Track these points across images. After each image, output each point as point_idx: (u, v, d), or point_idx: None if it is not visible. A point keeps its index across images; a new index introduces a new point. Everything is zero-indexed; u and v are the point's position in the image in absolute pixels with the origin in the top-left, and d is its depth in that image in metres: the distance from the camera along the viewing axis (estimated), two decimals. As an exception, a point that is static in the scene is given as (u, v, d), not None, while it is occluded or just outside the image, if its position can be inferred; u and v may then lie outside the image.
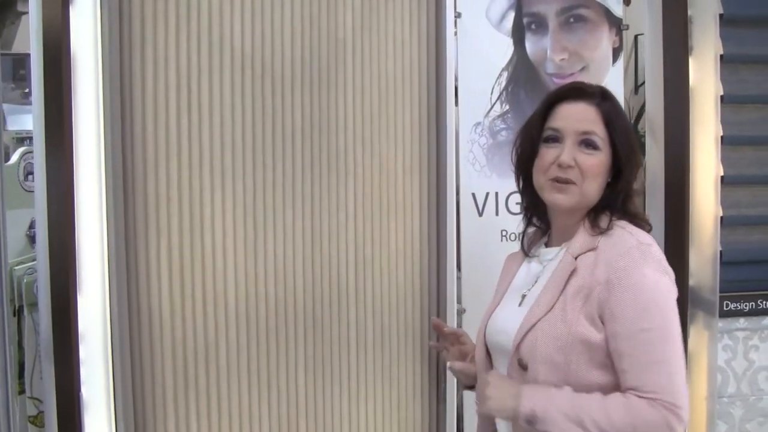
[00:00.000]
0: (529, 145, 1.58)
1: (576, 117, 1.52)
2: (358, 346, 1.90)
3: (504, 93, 2.13)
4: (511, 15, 2.14)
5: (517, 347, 1.47)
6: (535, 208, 1.64)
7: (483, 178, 2.10)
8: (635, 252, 1.44)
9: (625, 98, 2.60)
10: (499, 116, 2.12)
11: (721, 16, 2.52)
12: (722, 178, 2.54)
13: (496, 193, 2.12)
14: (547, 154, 1.52)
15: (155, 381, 1.70)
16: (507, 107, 2.13)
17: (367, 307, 1.91)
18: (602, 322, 1.44)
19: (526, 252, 1.63)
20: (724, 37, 2.53)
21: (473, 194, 2.10)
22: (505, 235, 2.13)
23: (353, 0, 1.87)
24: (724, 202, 2.53)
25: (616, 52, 2.27)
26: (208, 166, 1.72)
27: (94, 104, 1.65)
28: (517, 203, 2.14)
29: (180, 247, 1.70)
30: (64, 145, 1.63)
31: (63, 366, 1.67)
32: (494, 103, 2.12)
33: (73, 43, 1.65)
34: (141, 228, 1.68)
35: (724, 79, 2.53)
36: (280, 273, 1.80)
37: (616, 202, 1.53)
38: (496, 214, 2.13)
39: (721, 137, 2.53)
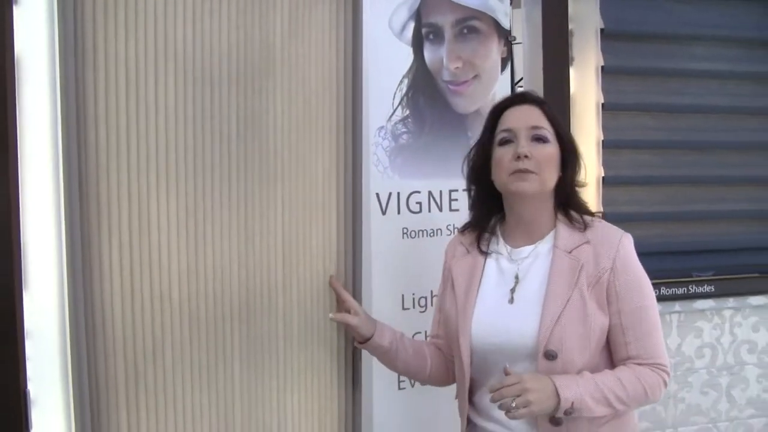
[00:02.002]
0: (481, 154, 1.79)
1: (525, 116, 1.73)
2: (285, 340, 1.98)
3: (405, 98, 2.22)
4: (412, 25, 2.22)
5: (546, 340, 1.60)
6: (489, 214, 1.82)
7: (386, 179, 2.18)
8: (626, 240, 1.70)
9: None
10: (400, 120, 2.21)
11: (602, 30, 2.72)
12: (603, 179, 2.75)
13: (398, 193, 2.20)
14: (505, 153, 1.72)
15: (108, 377, 1.74)
16: (407, 112, 2.22)
17: (294, 303, 1.99)
18: (607, 304, 1.64)
19: (486, 252, 1.78)
20: (605, 50, 2.75)
21: (377, 194, 2.16)
22: (406, 233, 2.22)
23: (282, 7, 1.94)
24: (604, 200, 2.74)
25: (504, 62, 2.39)
26: (154, 166, 1.78)
27: (45, 108, 1.70)
28: (417, 203, 2.24)
29: (130, 246, 1.75)
30: (7, 146, 1.68)
31: (6, 363, 1.71)
32: (396, 108, 2.20)
33: (17, 46, 1.68)
34: (94, 227, 1.72)
35: (605, 89, 2.75)
36: (218, 270, 1.87)
37: (567, 192, 1.74)
38: (398, 212, 2.20)
39: (602, 142, 2.75)
